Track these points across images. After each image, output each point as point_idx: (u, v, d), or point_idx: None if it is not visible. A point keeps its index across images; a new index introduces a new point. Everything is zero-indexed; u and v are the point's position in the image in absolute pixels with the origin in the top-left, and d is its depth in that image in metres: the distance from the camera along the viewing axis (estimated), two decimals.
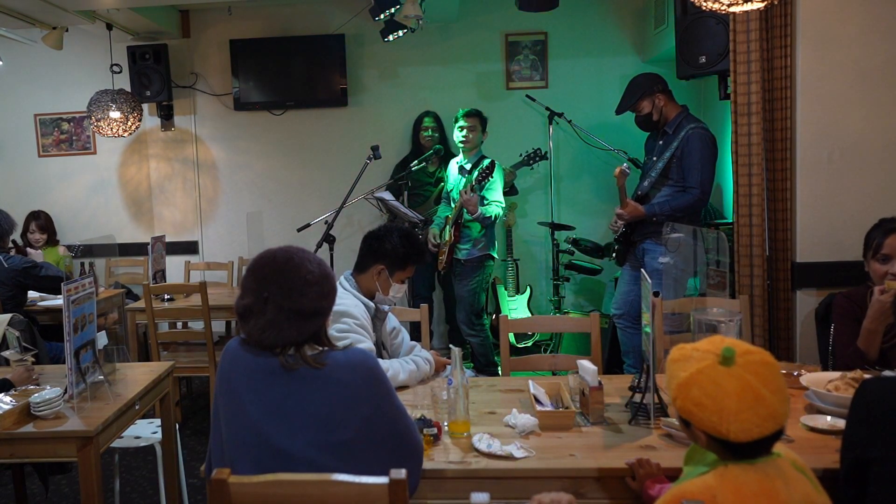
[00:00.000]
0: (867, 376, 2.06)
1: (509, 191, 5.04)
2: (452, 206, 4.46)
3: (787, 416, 1.32)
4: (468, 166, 4.46)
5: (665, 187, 3.70)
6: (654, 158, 3.77)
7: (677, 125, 3.68)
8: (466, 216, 4.29)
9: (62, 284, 2.30)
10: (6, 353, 2.82)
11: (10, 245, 4.13)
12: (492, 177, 4.23)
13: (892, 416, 1.51)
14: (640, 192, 3.78)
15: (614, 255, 3.98)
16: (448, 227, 4.43)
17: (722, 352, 1.33)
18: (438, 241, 4.49)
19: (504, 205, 4.39)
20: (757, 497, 1.29)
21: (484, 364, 4.58)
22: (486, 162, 4.26)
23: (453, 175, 4.58)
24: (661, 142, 3.77)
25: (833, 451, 1.78)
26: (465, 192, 4.18)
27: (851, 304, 2.57)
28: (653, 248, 3.73)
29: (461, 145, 4.49)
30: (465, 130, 4.43)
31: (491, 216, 4.27)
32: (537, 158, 4.93)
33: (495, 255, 4.50)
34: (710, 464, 1.38)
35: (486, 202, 4.29)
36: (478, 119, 4.44)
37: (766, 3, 2.28)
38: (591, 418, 2.07)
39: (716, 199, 4.87)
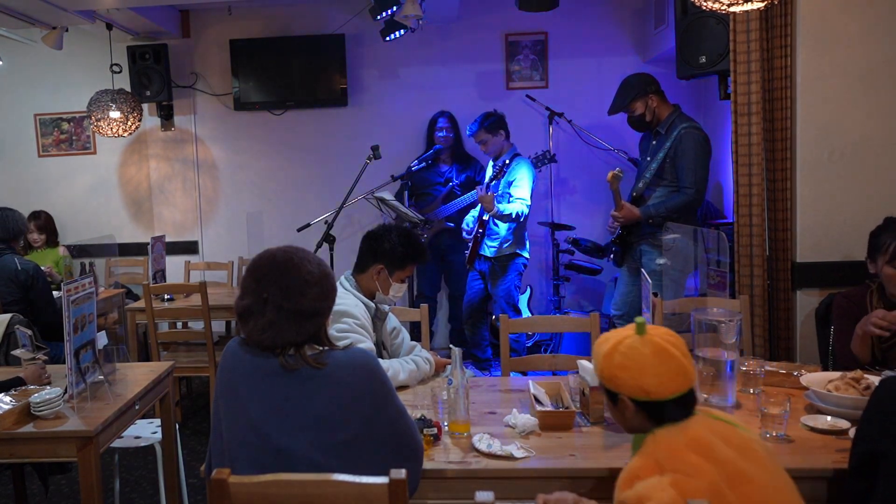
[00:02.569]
0: (868, 376, 2.07)
1: None
2: None
3: (695, 376, 1.50)
4: (500, 164, 4.51)
5: (659, 188, 3.71)
6: (648, 159, 3.78)
7: (670, 125, 3.69)
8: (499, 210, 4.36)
9: (59, 289, 2.30)
10: (17, 352, 2.82)
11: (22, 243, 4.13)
12: (516, 177, 4.30)
13: None
14: (634, 194, 3.80)
15: (612, 256, 3.99)
16: (476, 221, 4.53)
17: (636, 325, 1.52)
18: (471, 227, 4.58)
19: (528, 202, 4.38)
20: (689, 445, 1.41)
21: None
22: (507, 159, 4.36)
23: (489, 174, 4.63)
24: (654, 142, 3.78)
25: (833, 451, 1.78)
26: (481, 190, 4.24)
27: (851, 304, 2.56)
28: (650, 251, 3.75)
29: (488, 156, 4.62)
30: (480, 146, 4.56)
31: (510, 213, 4.27)
32: (546, 161, 4.90)
33: (524, 254, 4.53)
34: (640, 444, 1.49)
35: (511, 199, 4.32)
36: (482, 131, 4.47)
37: (766, 3, 2.28)
38: (591, 418, 2.07)
39: (716, 199, 4.87)
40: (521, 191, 4.35)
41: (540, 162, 4.86)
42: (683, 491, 1.32)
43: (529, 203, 4.38)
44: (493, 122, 4.46)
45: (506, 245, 4.45)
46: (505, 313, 4.49)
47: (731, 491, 1.35)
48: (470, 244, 4.56)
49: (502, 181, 4.38)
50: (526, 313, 5.01)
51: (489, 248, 4.50)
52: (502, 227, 4.43)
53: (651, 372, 1.46)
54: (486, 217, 4.40)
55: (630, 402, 1.49)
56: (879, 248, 2.44)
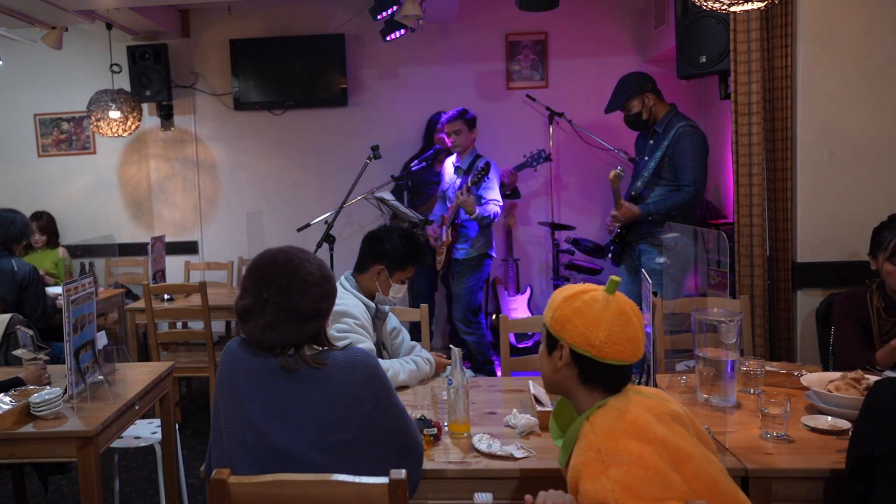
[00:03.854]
0: (868, 377, 2.06)
1: (511, 194, 5.03)
2: (448, 205, 4.49)
3: (641, 353, 1.47)
4: (464, 166, 4.47)
5: (658, 187, 3.72)
6: (646, 158, 3.79)
7: (667, 124, 3.70)
8: (465, 215, 4.30)
9: (55, 291, 2.30)
10: (18, 352, 2.82)
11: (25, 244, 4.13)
12: (488, 177, 4.25)
13: None
14: (633, 193, 3.80)
15: (610, 255, 3.99)
16: (445, 227, 4.44)
17: (608, 283, 1.50)
18: (439, 232, 4.54)
19: (501, 203, 4.40)
20: (628, 431, 1.38)
21: (482, 363, 4.59)
22: (482, 163, 4.27)
23: (448, 174, 4.60)
24: (651, 141, 3.79)
25: (834, 451, 1.78)
26: (462, 194, 4.21)
27: (852, 304, 2.56)
28: (649, 251, 3.75)
29: (453, 148, 4.55)
30: (451, 136, 4.48)
31: (489, 215, 4.28)
32: (541, 160, 4.89)
33: (493, 255, 4.52)
34: (572, 437, 1.46)
35: (483, 201, 4.30)
36: (461, 121, 4.43)
37: (766, 2, 2.28)
38: None
39: (716, 199, 4.87)
40: (493, 192, 4.36)
41: (536, 161, 4.86)
42: (632, 486, 1.31)
43: (501, 203, 4.41)
44: (472, 119, 4.46)
45: (477, 246, 4.44)
46: (464, 314, 4.50)
47: (676, 472, 1.35)
48: (441, 250, 4.52)
49: (468, 182, 4.38)
50: (526, 313, 5.01)
51: (460, 250, 4.48)
52: (472, 229, 4.40)
53: (604, 327, 1.43)
54: (458, 221, 4.40)
55: (568, 351, 1.47)
56: (881, 245, 2.44)
